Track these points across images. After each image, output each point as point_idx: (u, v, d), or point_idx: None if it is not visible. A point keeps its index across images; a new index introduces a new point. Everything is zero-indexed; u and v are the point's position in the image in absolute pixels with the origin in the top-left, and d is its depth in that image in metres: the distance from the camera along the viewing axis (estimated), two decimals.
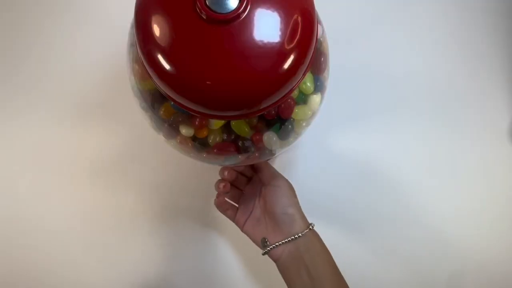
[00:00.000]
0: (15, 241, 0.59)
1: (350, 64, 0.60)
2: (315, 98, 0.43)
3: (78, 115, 0.61)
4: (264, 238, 0.49)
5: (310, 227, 0.48)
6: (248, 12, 0.33)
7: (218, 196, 0.53)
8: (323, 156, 0.60)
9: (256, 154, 0.45)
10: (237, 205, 0.54)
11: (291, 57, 0.33)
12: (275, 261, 0.49)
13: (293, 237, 0.47)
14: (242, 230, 0.52)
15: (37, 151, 0.60)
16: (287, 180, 0.52)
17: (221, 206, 0.53)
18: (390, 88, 0.62)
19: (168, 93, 0.35)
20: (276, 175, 0.52)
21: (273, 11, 0.33)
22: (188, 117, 0.41)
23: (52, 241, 0.58)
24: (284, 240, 0.47)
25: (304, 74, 0.36)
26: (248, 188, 0.54)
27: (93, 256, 0.58)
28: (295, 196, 0.51)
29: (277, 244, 0.48)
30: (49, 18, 0.64)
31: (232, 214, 0.53)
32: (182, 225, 0.59)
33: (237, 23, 0.32)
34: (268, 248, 0.48)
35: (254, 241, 0.51)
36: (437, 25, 0.64)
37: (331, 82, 0.46)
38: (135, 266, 0.58)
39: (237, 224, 0.53)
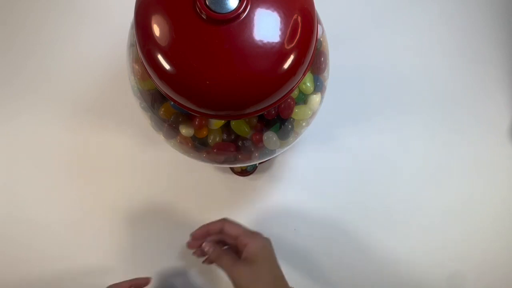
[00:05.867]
0: (14, 239, 0.58)
1: (350, 64, 0.60)
2: (315, 98, 0.43)
3: (77, 115, 0.61)
4: None
5: None
6: (248, 12, 0.33)
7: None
8: (323, 155, 0.60)
9: (256, 154, 0.45)
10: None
11: (291, 57, 0.33)
12: None
13: None
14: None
15: (37, 150, 0.60)
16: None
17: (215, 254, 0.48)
18: (390, 88, 0.62)
19: (168, 93, 0.35)
20: (249, 262, 0.46)
21: (273, 11, 0.33)
22: (188, 117, 0.41)
23: (50, 239, 0.58)
24: None
25: (304, 74, 0.36)
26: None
27: (93, 255, 0.58)
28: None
29: None
30: (49, 18, 0.64)
31: (227, 261, 0.47)
32: (181, 226, 0.59)
33: (237, 23, 0.32)
34: None
35: None
36: (437, 24, 0.64)
37: (331, 82, 0.46)
38: (135, 265, 0.58)
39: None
